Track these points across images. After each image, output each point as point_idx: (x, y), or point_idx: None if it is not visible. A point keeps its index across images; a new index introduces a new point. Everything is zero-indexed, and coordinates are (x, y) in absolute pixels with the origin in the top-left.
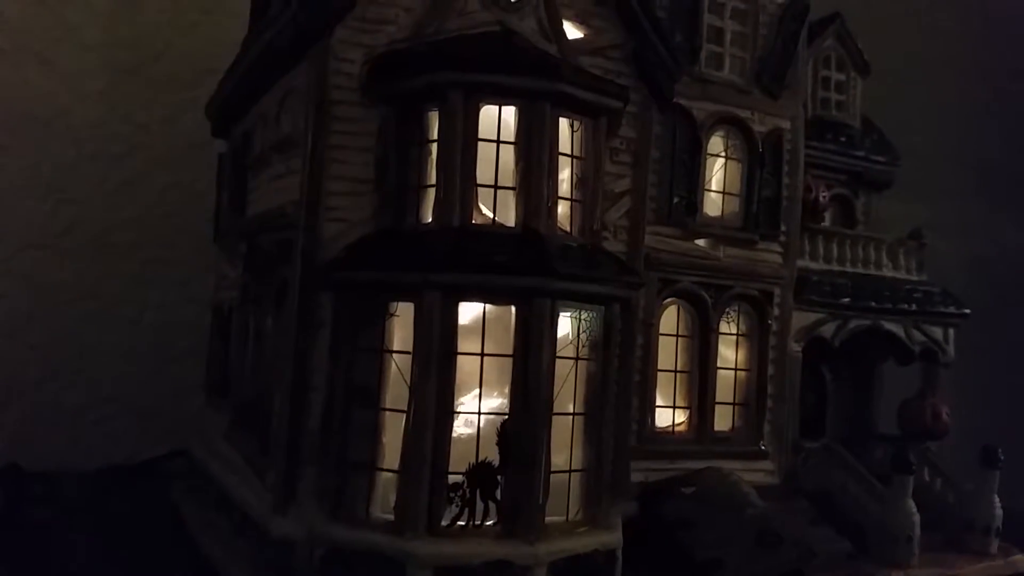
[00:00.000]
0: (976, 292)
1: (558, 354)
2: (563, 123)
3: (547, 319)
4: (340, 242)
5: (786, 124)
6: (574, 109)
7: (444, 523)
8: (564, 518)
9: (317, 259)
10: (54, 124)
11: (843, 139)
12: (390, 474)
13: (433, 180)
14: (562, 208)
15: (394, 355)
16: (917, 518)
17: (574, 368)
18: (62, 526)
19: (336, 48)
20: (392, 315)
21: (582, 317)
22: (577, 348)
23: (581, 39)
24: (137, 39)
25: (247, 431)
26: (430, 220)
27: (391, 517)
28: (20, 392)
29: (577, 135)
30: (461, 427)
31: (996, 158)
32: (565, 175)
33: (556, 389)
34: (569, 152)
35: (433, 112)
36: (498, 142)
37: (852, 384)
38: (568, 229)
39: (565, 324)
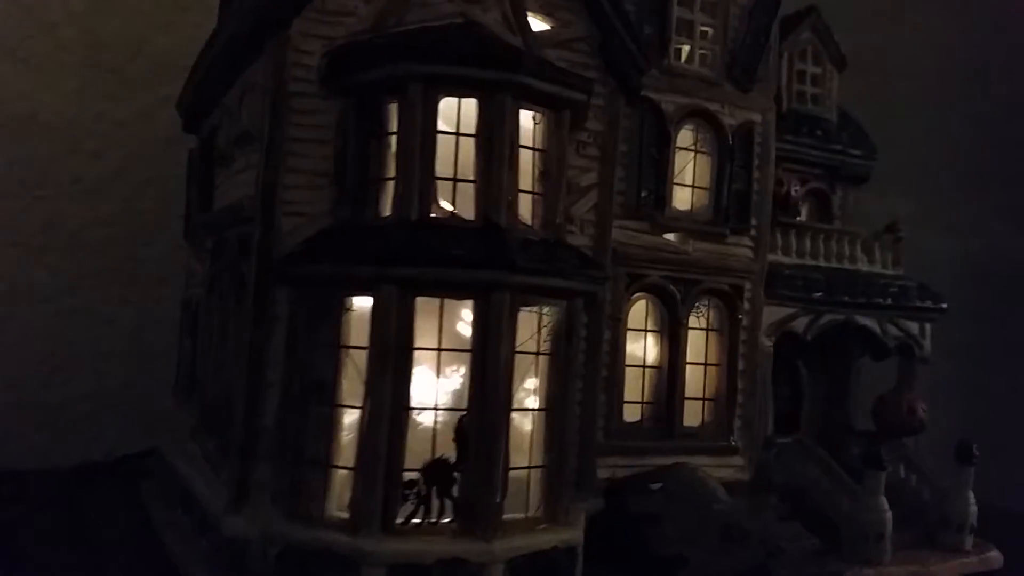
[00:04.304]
0: (960, 288)
1: (518, 349)
2: (524, 115)
3: (506, 313)
4: (297, 236)
5: (757, 117)
6: (536, 101)
7: (399, 521)
8: (523, 515)
9: (273, 253)
10: (29, 122)
11: (819, 133)
12: (346, 471)
13: (392, 173)
14: (524, 202)
15: (351, 350)
16: (889, 515)
17: (535, 364)
18: (29, 525)
19: (295, 40)
20: (348, 310)
21: (543, 312)
22: (538, 343)
23: (547, 31)
24: (113, 37)
25: (210, 429)
26: (389, 213)
27: (346, 515)
28: None
29: (539, 128)
30: None
31: (980, 153)
32: (527, 168)
33: (516, 385)
34: (531, 145)
35: (392, 104)
36: (458, 134)
37: (828, 379)
38: (530, 223)
39: (526, 319)
